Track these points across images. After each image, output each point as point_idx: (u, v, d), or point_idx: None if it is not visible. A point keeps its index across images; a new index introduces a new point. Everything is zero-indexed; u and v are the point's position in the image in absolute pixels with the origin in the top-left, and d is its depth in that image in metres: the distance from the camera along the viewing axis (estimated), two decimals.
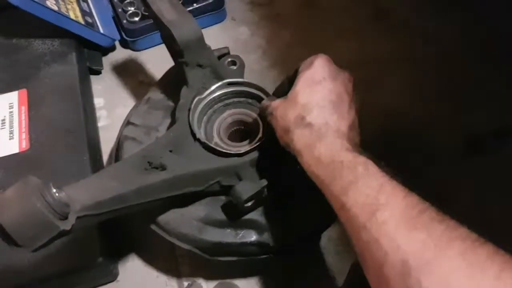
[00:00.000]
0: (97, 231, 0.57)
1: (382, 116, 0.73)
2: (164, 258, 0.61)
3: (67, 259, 0.56)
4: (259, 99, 0.60)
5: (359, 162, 0.43)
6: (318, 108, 0.49)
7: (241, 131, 0.60)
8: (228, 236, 0.55)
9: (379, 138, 0.71)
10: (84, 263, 0.57)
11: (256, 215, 0.56)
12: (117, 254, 0.61)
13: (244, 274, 0.59)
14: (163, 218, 0.55)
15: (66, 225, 0.39)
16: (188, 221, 0.55)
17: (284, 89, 0.55)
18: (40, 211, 0.36)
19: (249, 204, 0.54)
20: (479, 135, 0.70)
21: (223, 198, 0.57)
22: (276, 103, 0.53)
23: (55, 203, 0.38)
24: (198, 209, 0.56)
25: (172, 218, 0.55)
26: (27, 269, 0.55)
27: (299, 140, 0.48)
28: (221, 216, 0.56)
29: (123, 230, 0.62)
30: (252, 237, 0.55)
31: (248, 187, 0.53)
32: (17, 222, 0.36)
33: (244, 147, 0.57)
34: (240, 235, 0.55)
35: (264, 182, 0.53)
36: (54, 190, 0.39)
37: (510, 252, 0.34)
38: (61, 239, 0.56)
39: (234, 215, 0.56)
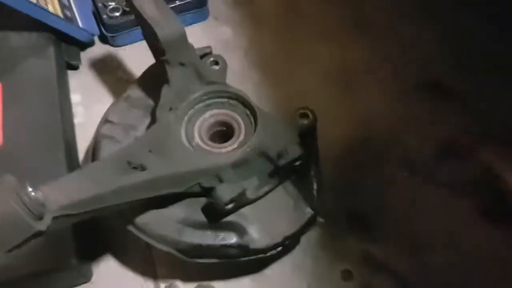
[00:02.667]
0: (71, 232, 0.55)
1: (358, 120, 0.73)
2: (140, 260, 0.60)
3: (40, 260, 0.54)
4: (241, 100, 0.59)
5: None
6: None
7: (222, 132, 0.60)
8: (208, 238, 0.54)
9: (355, 142, 0.73)
10: (58, 265, 0.55)
11: (237, 217, 0.56)
12: (92, 255, 0.60)
13: (223, 276, 0.59)
14: (141, 219, 0.54)
15: (41, 226, 0.37)
16: (167, 223, 0.54)
17: None
18: (15, 211, 0.35)
19: (230, 206, 0.54)
20: (452, 141, 0.71)
21: (203, 199, 0.56)
22: None
23: (30, 202, 0.37)
24: (177, 211, 0.55)
25: (151, 219, 0.54)
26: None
27: None
28: (201, 218, 0.55)
29: (98, 230, 0.61)
30: (232, 239, 0.54)
31: (229, 189, 0.53)
32: None
33: (225, 148, 0.57)
34: (220, 237, 0.54)
35: (245, 185, 0.53)
36: (30, 189, 0.37)
37: None
38: (35, 240, 0.56)
39: (214, 217, 0.55)
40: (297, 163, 0.56)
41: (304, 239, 0.63)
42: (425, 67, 0.79)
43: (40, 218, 0.38)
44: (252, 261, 0.56)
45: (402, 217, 0.64)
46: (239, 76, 0.77)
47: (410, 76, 0.78)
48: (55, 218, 0.39)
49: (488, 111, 0.73)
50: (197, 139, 0.57)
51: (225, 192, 0.52)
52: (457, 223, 0.63)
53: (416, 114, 0.74)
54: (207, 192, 0.54)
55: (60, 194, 0.41)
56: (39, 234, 0.37)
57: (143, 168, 0.48)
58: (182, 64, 0.59)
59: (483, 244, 0.61)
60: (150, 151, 0.50)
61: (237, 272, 0.60)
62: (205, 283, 0.54)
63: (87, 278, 0.59)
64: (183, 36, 0.57)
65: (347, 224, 0.64)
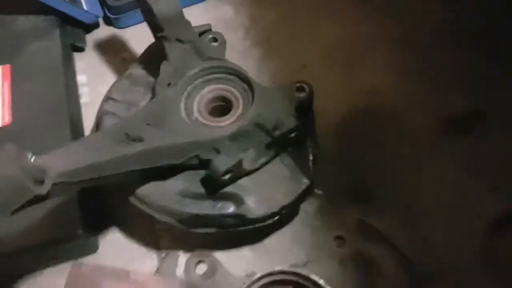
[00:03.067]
0: (77, 204, 0.58)
1: (360, 95, 0.74)
2: (144, 231, 0.62)
3: (47, 231, 0.57)
4: (239, 75, 0.60)
5: None
6: None
7: (221, 107, 0.61)
8: (206, 207, 0.56)
9: (357, 117, 0.73)
10: (65, 236, 0.57)
11: (234, 188, 0.57)
12: (98, 227, 0.62)
13: (224, 246, 0.60)
14: (142, 191, 0.56)
15: (41, 190, 0.39)
16: (167, 194, 0.56)
17: None
18: (16, 175, 0.37)
19: (227, 177, 0.55)
20: (454, 116, 0.71)
21: (202, 172, 0.58)
22: None
23: (30, 167, 0.39)
24: (177, 183, 0.57)
25: (151, 191, 0.56)
26: (6, 240, 0.56)
27: None
28: (199, 189, 0.57)
29: (104, 203, 0.63)
30: (230, 209, 0.56)
31: (225, 160, 0.54)
32: None
33: (223, 122, 0.58)
34: (218, 207, 0.56)
35: (242, 156, 0.55)
36: (30, 156, 0.39)
37: None
38: (42, 210, 0.58)
39: (212, 188, 0.57)
40: (293, 134, 0.57)
41: (302, 211, 0.65)
42: (430, 43, 0.79)
43: (40, 183, 0.40)
44: (251, 230, 0.58)
45: (402, 190, 0.65)
46: (241, 54, 0.78)
47: (414, 52, 0.78)
48: (54, 184, 0.41)
49: (491, 88, 0.73)
50: (196, 114, 0.59)
51: (221, 163, 0.54)
52: (458, 198, 0.63)
53: (419, 89, 0.74)
54: (205, 164, 0.56)
55: (60, 162, 0.43)
56: (39, 198, 0.39)
57: (140, 140, 0.50)
58: (180, 41, 0.60)
59: (484, 217, 0.61)
60: (148, 124, 0.52)
61: (237, 242, 0.61)
62: (203, 251, 0.55)
63: (93, 249, 0.61)
64: (180, 13, 0.59)
65: (345, 196, 0.65)
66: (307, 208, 0.65)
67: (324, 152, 0.63)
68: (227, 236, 0.59)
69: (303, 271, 0.47)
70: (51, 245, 0.57)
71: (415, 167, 0.67)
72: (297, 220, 0.64)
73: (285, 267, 0.49)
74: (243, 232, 0.58)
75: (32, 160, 0.39)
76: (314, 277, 0.48)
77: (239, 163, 0.55)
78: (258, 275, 0.48)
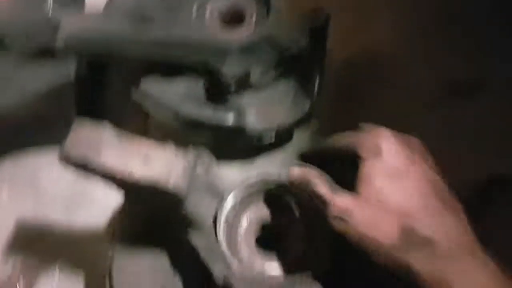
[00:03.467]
0: (74, 84, 0.56)
1: (366, 46, 0.74)
2: (138, 130, 0.61)
3: (42, 107, 0.56)
4: None
5: None
6: (425, 212, 0.36)
7: (235, 18, 0.59)
8: (207, 112, 0.54)
9: (358, 66, 0.73)
10: (58, 113, 0.56)
11: (237, 100, 0.57)
12: (93, 116, 0.61)
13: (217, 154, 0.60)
14: (144, 84, 0.55)
15: (53, 41, 0.38)
16: (168, 91, 0.55)
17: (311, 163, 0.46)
18: (35, 14, 0.36)
19: (234, 86, 0.55)
20: (458, 79, 0.72)
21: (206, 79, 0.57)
22: (345, 202, 0.38)
23: (48, 18, 0.37)
24: (180, 85, 0.56)
25: (154, 86, 0.55)
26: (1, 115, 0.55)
27: (419, 267, 0.34)
28: (201, 96, 0.56)
29: (101, 89, 0.62)
30: (230, 120, 0.55)
31: (234, 68, 0.54)
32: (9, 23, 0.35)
33: (235, 33, 0.57)
34: (219, 114, 0.55)
35: (252, 63, 0.54)
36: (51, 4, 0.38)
37: None
38: (37, 88, 0.57)
39: (215, 95, 0.56)
40: (303, 56, 0.57)
41: (296, 138, 0.65)
42: (441, 4, 0.79)
43: (53, 34, 0.38)
44: (244, 147, 0.58)
45: None
46: None
47: (423, 13, 0.79)
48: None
49: (494, 56, 0.74)
50: (208, 20, 0.58)
51: (229, 71, 0.53)
52: (448, 159, 0.65)
53: (423, 49, 0.74)
54: (211, 73, 0.55)
55: (74, 25, 0.41)
56: (49, 48, 0.38)
57: (152, 22, 0.48)
58: None
59: (472, 182, 0.63)
60: (164, 8, 0.50)
61: (229, 157, 0.61)
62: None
63: None
64: None
65: (339, 129, 0.65)
66: (300, 136, 0.65)
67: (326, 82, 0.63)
68: (219, 151, 0.59)
69: None
70: (40, 124, 0.56)
71: (408, 124, 0.67)
72: (289, 146, 0.64)
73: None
74: (237, 148, 0.58)
75: (50, 9, 0.38)
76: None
77: (247, 74, 0.54)
78: (253, 180, 0.48)
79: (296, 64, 0.58)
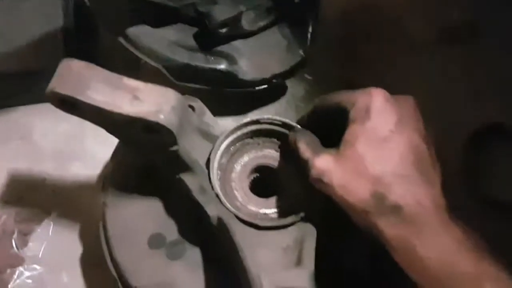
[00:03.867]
0: (62, 35, 0.55)
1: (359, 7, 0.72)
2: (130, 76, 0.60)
3: (29, 59, 0.55)
4: None
5: (485, 276, 0.33)
6: (399, 180, 0.36)
7: None
8: (198, 59, 0.54)
9: (357, 11, 0.72)
10: (47, 66, 0.55)
11: (229, 48, 0.56)
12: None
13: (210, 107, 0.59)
14: (132, 31, 0.54)
15: None
16: (158, 39, 0.54)
17: (307, 124, 0.46)
18: None
19: (223, 30, 0.53)
20: (450, 26, 0.71)
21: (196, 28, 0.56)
22: (325, 164, 0.39)
23: None
24: (169, 32, 0.55)
25: (142, 32, 0.54)
26: None
27: (387, 230, 0.36)
28: (192, 42, 0.55)
29: (90, 42, 0.61)
30: (222, 64, 0.54)
31: (224, 10, 0.52)
32: None
33: None
34: (211, 60, 0.54)
35: (242, 8, 0.53)
36: None
37: None
38: (25, 38, 0.56)
39: (206, 43, 0.55)
40: (297, 2, 0.56)
41: (290, 92, 0.64)
42: None
43: None
44: (238, 97, 0.57)
45: (387, 87, 0.65)
46: None
47: None
48: None
49: (489, 4, 0.72)
50: None
51: (220, 13, 0.52)
52: (442, 104, 0.64)
53: None
54: (201, 19, 0.54)
55: None
56: None
57: None
58: None
59: (465, 127, 0.62)
60: None
61: (221, 111, 0.60)
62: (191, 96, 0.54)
63: None
64: None
65: (332, 84, 0.65)
66: (294, 90, 0.65)
67: (319, 37, 0.62)
68: (213, 101, 0.58)
69: (292, 122, 0.47)
70: (32, 74, 0.55)
71: (404, 68, 0.67)
72: (283, 100, 0.64)
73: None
74: (230, 98, 0.58)
75: None
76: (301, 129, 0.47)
77: (238, 17, 0.53)
78: (247, 120, 0.47)
79: (289, 11, 0.57)
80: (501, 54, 0.66)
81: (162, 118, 0.37)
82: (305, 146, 0.42)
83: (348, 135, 0.39)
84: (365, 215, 0.36)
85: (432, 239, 0.35)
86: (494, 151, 0.61)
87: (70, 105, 0.38)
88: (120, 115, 0.37)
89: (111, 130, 0.41)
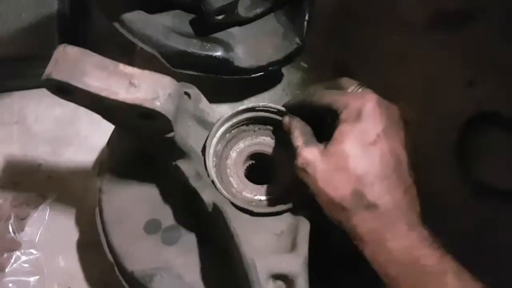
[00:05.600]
0: (56, 20, 0.55)
1: None
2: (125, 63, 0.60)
3: (25, 43, 0.55)
4: None
5: (447, 268, 0.36)
6: (380, 182, 0.38)
7: None
8: (194, 46, 0.54)
9: (350, 11, 0.72)
10: (41, 51, 0.55)
11: (225, 35, 0.55)
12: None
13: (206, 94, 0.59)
14: (128, 17, 0.53)
15: None
16: (154, 25, 0.54)
17: (300, 110, 0.46)
18: None
19: (219, 17, 0.53)
20: (445, 11, 0.71)
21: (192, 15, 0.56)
22: (311, 155, 0.41)
23: None
24: (165, 18, 0.55)
25: (138, 18, 0.54)
26: None
27: (360, 225, 0.38)
28: (188, 29, 0.55)
29: (85, 24, 0.60)
30: (218, 51, 0.54)
31: None
32: None
33: None
34: (206, 47, 0.54)
35: None
36: None
37: None
38: (19, 22, 0.55)
39: (202, 30, 0.55)
40: None
41: (285, 79, 0.65)
42: None
43: None
44: (234, 84, 0.57)
45: (382, 72, 0.65)
46: None
47: None
48: None
49: None
50: None
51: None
52: (435, 88, 0.64)
53: None
54: (198, 4, 0.53)
55: None
56: None
57: None
58: None
59: (459, 112, 0.63)
60: None
61: (218, 97, 0.60)
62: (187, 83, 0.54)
63: None
64: None
65: (329, 71, 0.65)
66: (290, 77, 0.65)
67: (315, 25, 0.62)
68: (209, 87, 0.58)
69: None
70: (24, 61, 0.55)
71: (398, 52, 0.67)
72: (278, 87, 0.64)
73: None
74: (226, 85, 0.58)
75: None
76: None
77: (234, 4, 0.52)
78: (242, 107, 0.47)
79: None
80: (494, 42, 0.66)
81: (158, 105, 0.37)
82: (298, 133, 0.44)
83: (338, 133, 0.41)
84: (341, 210, 0.38)
85: (401, 234, 0.37)
86: (488, 139, 0.62)
87: (66, 91, 0.38)
88: (116, 101, 0.37)
89: (106, 117, 0.42)
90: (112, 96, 0.37)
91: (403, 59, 0.66)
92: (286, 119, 0.46)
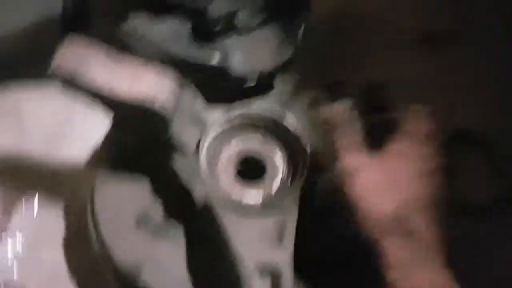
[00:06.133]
0: (60, 19, 0.56)
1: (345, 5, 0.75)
2: None
3: (26, 40, 0.56)
4: None
5: None
6: (419, 210, 0.36)
7: None
8: (193, 53, 0.55)
9: (342, 25, 0.75)
10: (42, 48, 0.56)
11: (222, 43, 0.57)
12: None
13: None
14: (130, 22, 0.55)
15: None
16: (155, 30, 0.55)
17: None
18: None
19: (219, 26, 0.55)
20: (437, 31, 0.74)
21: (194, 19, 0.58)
22: (360, 162, 0.37)
23: None
24: (165, 25, 0.56)
25: (139, 23, 0.55)
26: None
27: (393, 252, 0.35)
28: (188, 36, 0.57)
29: (86, 26, 0.62)
30: (216, 59, 0.56)
31: (221, 7, 0.55)
32: None
33: None
34: (204, 54, 0.56)
35: (238, 5, 0.55)
36: None
37: None
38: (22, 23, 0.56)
39: (201, 38, 0.57)
40: (290, 2, 0.58)
41: (278, 88, 0.67)
42: None
43: None
44: (228, 91, 0.59)
45: (372, 84, 0.68)
46: None
47: None
48: None
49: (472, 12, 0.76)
50: None
51: (217, 9, 0.54)
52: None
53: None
54: (198, 12, 0.56)
55: None
56: None
57: None
58: None
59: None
60: None
61: (212, 103, 0.62)
62: None
63: None
64: None
65: (319, 82, 0.67)
66: (282, 87, 0.67)
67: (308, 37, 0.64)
68: (202, 94, 0.60)
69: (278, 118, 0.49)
70: (24, 56, 0.56)
71: (389, 69, 0.69)
72: (270, 95, 0.66)
73: None
74: (220, 92, 0.59)
75: None
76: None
77: (233, 14, 0.55)
78: (236, 110, 0.49)
79: (282, 10, 0.60)
80: (479, 63, 0.69)
81: (159, 101, 0.39)
82: (344, 130, 0.39)
83: (392, 146, 0.38)
84: (377, 227, 0.36)
85: (428, 272, 0.35)
86: (463, 156, 0.64)
87: (71, 82, 0.40)
88: (118, 95, 0.39)
89: (107, 108, 0.43)
90: (115, 90, 0.39)
91: (390, 73, 0.69)
92: (334, 107, 0.42)
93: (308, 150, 0.49)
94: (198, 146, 0.48)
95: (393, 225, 0.35)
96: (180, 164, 0.45)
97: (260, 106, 0.68)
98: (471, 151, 0.64)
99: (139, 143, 0.47)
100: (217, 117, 0.49)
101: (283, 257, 0.38)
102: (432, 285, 0.35)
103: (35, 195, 0.56)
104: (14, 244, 0.53)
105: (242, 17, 0.57)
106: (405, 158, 0.38)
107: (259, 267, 0.38)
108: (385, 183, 0.36)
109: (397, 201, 0.36)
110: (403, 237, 0.35)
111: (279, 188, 0.47)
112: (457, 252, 0.59)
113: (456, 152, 0.64)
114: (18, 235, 0.54)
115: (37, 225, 0.55)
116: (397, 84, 0.66)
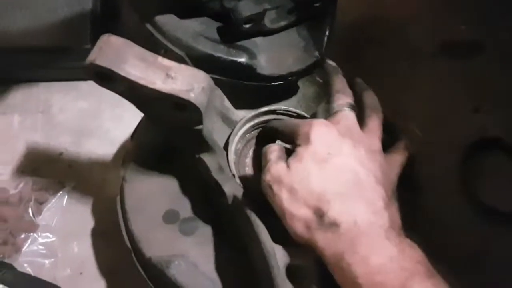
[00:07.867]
0: (89, 18, 0.58)
1: (365, 5, 0.76)
2: None
3: (54, 36, 0.57)
4: None
5: None
6: (339, 199, 0.39)
7: None
8: (221, 51, 0.56)
9: (359, 27, 0.75)
10: (72, 45, 0.58)
11: (250, 44, 0.58)
12: None
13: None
14: (159, 19, 0.56)
15: None
16: (184, 29, 0.57)
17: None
18: None
19: (247, 26, 0.56)
20: (456, 41, 0.74)
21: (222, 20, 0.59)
22: (280, 172, 0.42)
23: None
24: (195, 23, 0.58)
25: (169, 21, 0.57)
26: (19, 36, 0.56)
27: (324, 247, 0.38)
28: (215, 35, 0.58)
29: (115, 23, 0.63)
30: (243, 58, 0.57)
31: (249, 7, 0.55)
32: None
33: None
34: (232, 53, 0.57)
35: (265, 7, 0.56)
36: None
37: None
38: (53, 15, 0.58)
39: (229, 37, 0.58)
40: (317, 4, 0.59)
41: (300, 91, 0.67)
42: None
43: None
44: (253, 91, 0.60)
45: (391, 96, 0.68)
46: None
47: None
48: None
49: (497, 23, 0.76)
50: None
51: (245, 8, 0.55)
52: (442, 114, 0.67)
53: (430, 12, 0.76)
54: (226, 12, 0.57)
55: None
56: None
57: None
58: None
59: (463, 137, 0.65)
60: None
61: (236, 102, 0.63)
62: None
63: None
64: None
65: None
66: (305, 90, 0.68)
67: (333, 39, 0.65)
68: (228, 94, 0.61)
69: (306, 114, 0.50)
70: (57, 52, 0.58)
71: (408, 77, 0.70)
72: (294, 98, 0.67)
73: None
74: (245, 91, 0.60)
75: None
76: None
77: (262, 14, 0.56)
78: (264, 109, 0.50)
79: (309, 15, 0.60)
80: (501, 73, 0.70)
81: (192, 96, 0.40)
82: (273, 149, 0.45)
83: (296, 155, 0.43)
84: (305, 229, 0.39)
85: (365, 258, 0.36)
86: (490, 162, 0.64)
87: (107, 78, 0.41)
88: (153, 90, 0.40)
89: (140, 105, 0.44)
90: (150, 85, 0.40)
91: (411, 84, 0.69)
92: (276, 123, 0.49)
93: None
94: (227, 143, 0.48)
95: (317, 222, 0.38)
96: (210, 160, 0.46)
97: (286, 106, 0.69)
98: (498, 157, 0.64)
99: (170, 138, 0.48)
100: (245, 115, 0.50)
101: (310, 257, 0.39)
102: (367, 277, 0.35)
103: (65, 189, 0.58)
104: (45, 238, 0.54)
105: (269, 18, 0.58)
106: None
107: (288, 263, 0.39)
108: (300, 191, 0.40)
109: (313, 198, 0.39)
110: (330, 229, 0.38)
111: None
112: (482, 256, 0.59)
113: (484, 157, 0.65)
114: (49, 229, 0.55)
115: (67, 219, 0.56)
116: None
